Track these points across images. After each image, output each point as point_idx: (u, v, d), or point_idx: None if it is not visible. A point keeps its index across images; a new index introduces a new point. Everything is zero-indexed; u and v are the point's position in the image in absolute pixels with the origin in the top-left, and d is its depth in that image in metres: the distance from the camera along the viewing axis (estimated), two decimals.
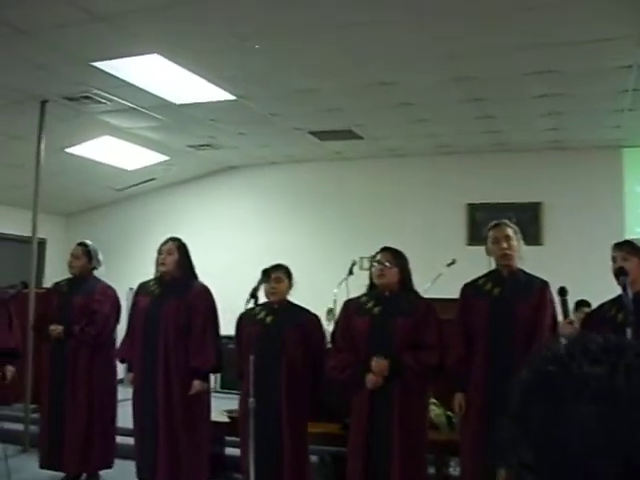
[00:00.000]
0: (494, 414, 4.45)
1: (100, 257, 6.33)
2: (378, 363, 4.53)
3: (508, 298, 4.65)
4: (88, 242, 6.35)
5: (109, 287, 6.27)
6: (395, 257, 4.81)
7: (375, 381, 4.52)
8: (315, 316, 5.44)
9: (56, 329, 6.06)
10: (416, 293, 4.91)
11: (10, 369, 6.09)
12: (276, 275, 5.33)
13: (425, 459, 4.68)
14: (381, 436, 4.52)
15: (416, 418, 4.62)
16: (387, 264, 4.77)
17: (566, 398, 0.85)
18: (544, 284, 4.65)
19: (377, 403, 4.55)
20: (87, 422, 5.99)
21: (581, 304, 7.63)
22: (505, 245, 4.71)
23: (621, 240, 4.52)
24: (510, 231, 4.78)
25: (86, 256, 6.24)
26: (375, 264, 4.83)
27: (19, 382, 6.53)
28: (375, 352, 4.58)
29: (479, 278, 4.87)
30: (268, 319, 5.26)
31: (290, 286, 5.43)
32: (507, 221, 4.89)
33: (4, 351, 6.05)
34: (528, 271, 4.83)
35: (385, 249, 4.90)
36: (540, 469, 0.85)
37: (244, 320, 5.42)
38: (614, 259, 4.34)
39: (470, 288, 4.85)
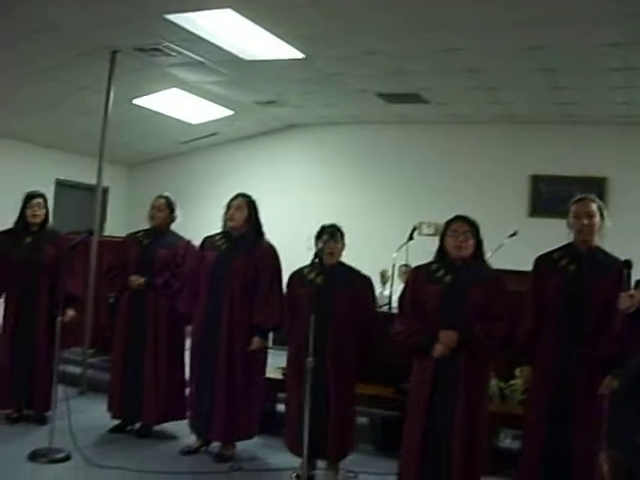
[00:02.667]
0: (561, 390, 4.46)
1: (178, 211, 6.30)
2: (447, 334, 4.48)
3: (584, 276, 4.50)
4: (168, 194, 6.32)
5: (191, 244, 6.20)
6: (472, 227, 4.66)
7: (442, 351, 4.48)
8: (366, 278, 5.37)
9: (137, 280, 6.03)
10: (487, 264, 4.81)
11: (70, 313, 6.18)
12: (335, 236, 5.29)
13: (485, 430, 4.64)
14: (443, 405, 4.47)
15: (479, 389, 4.56)
16: (467, 235, 4.64)
17: None
18: (622, 265, 4.50)
19: (442, 372, 4.49)
20: (169, 373, 5.99)
21: None
22: (586, 222, 4.58)
23: None
24: (594, 206, 4.60)
25: (168, 208, 6.22)
26: (451, 234, 4.65)
27: (78, 327, 6.64)
28: (446, 320, 4.49)
29: (554, 251, 4.73)
30: (319, 279, 5.20)
31: (343, 246, 5.38)
32: (593, 196, 4.73)
33: (66, 296, 6.16)
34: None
35: (460, 218, 4.70)
36: None
37: (295, 279, 5.41)
38: None
39: (544, 262, 4.72)
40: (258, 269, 5.57)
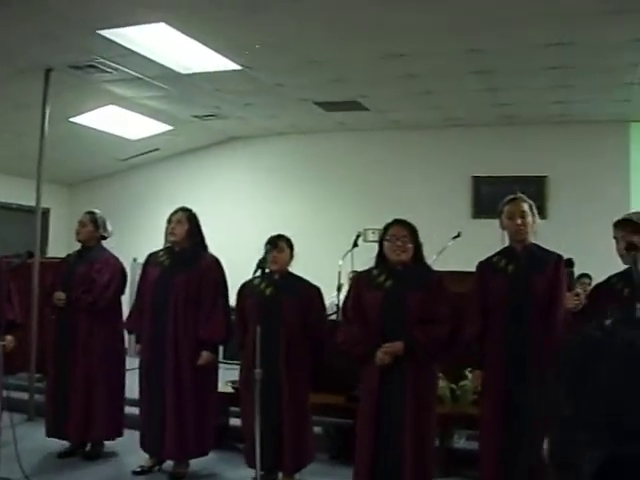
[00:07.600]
0: (514, 389, 4.49)
1: (109, 227, 6.26)
2: (393, 346, 4.46)
3: (524, 274, 4.62)
4: (96, 211, 6.28)
5: (112, 257, 6.18)
6: (410, 231, 4.68)
7: (384, 358, 4.48)
8: (315, 287, 5.40)
9: (59, 297, 6.03)
10: (427, 266, 4.82)
11: (9, 339, 6.07)
12: (277, 245, 5.29)
13: (434, 433, 4.67)
14: (392, 410, 4.47)
15: (427, 393, 4.57)
16: (405, 240, 4.64)
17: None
18: (559, 258, 4.61)
19: (388, 378, 4.49)
20: (88, 391, 5.93)
21: (582, 276, 7.69)
22: (520, 221, 4.67)
23: (623, 217, 4.41)
24: (526, 206, 4.72)
25: (93, 224, 6.17)
26: (389, 239, 4.66)
27: (23, 352, 6.51)
28: (387, 326, 4.51)
29: (493, 256, 4.82)
30: (268, 290, 5.23)
31: (291, 256, 5.39)
32: (523, 196, 4.82)
33: (2, 322, 6.04)
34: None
35: (398, 222, 4.73)
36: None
37: (245, 291, 5.40)
38: (617, 239, 4.31)
39: (485, 266, 4.81)
40: (202, 282, 5.54)
